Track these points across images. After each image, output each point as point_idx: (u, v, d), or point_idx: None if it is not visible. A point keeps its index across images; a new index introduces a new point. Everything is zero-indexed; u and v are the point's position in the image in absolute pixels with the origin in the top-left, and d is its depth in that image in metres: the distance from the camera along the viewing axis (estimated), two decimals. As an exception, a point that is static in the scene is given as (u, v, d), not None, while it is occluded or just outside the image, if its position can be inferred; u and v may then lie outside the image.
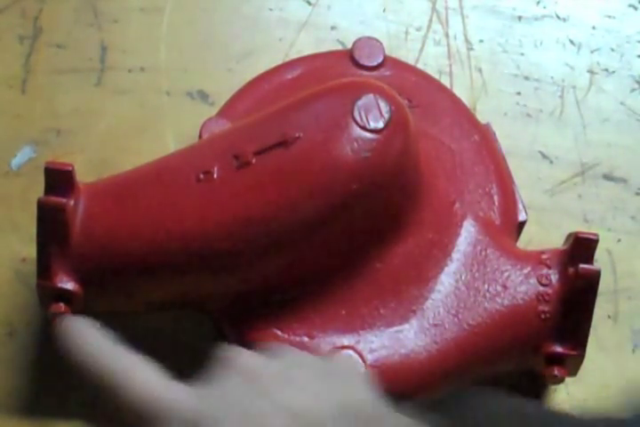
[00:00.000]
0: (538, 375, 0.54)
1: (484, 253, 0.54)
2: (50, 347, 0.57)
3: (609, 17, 0.68)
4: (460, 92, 0.62)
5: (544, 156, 0.64)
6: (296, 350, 0.46)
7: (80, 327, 0.44)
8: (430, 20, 0.67)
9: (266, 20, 0.67)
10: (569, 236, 0.55)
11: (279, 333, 0.52)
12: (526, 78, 0.66)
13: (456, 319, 0.52)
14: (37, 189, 0.53)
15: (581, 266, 0.52)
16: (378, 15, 0.67)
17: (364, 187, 0.51)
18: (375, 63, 0.60)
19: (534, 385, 0.58)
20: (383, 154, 0.51)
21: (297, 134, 0.51)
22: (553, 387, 0.58)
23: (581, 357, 0.52)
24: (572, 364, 0.53)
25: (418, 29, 0.67)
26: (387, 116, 0.51)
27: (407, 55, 0.66)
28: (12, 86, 0.64)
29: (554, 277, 0.53)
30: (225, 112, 0.59)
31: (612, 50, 0.67)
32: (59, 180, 0.52)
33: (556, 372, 0.53)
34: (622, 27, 0.68)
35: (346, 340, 0.52)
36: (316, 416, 0.41)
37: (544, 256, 0.54)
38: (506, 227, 0.56)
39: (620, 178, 0.64)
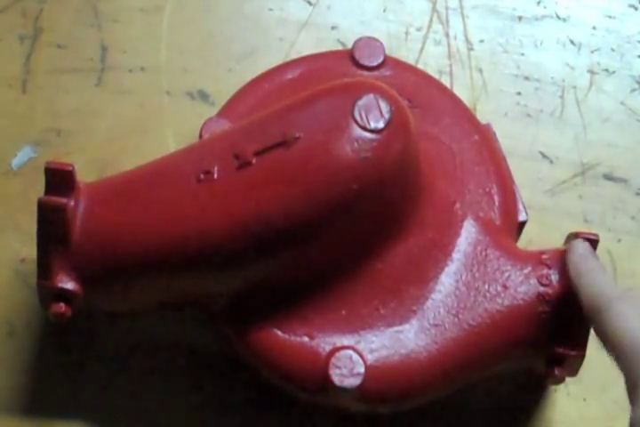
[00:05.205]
0: (538, 375, 0.54)
1: (484, 253, 0.54)
2: (50, 347, 0.58)
3: (609, 17, 0.68)
4: (460, 92, 0.62)
5: (544, 156, 0.64)
6: None
7: (587, 255, 0.52)
8: (430, 20, 0.67)
9: (266, 20, 0.67)
10: (569, 236, 0.55)
11: (279, 333, 0.52)
12: (526, 78, 0.66)
13: (456, 319, 0.52)
14: (37, 189, 0.53)
15: (581, 266, 0.52)
16: (378, 15, 0.67)
17: (365, 187, 0.51)
18: (375, 63, 0.60)
19: (534, 385, 0.58)
20: (383, 154, 0.51)
21: (297, 134, 0.51)
22: (553, 387, 0.58)
23: (581, 357, 0.52)
24: (571, 364, 0.53)
25: (418, 29, 0.67)
26: (387, 116, 0.51)
27: (407, 55, 0.66)
28: (12, 86, 0.64)
29: (554, 278, 0.53)
30: (225, 112, 0.59)
31: (613, 50, 0.67)
32: (59, 180, 0.52)
33: (556, 372, 0.53)
34: (622, 27, 0.68)
35: (346, 340, 0.52)
36: None
37: (544, 256, 0.54)
38: (506, 227, 0.56)
39: (619, 178, 0.64)
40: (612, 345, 0.46)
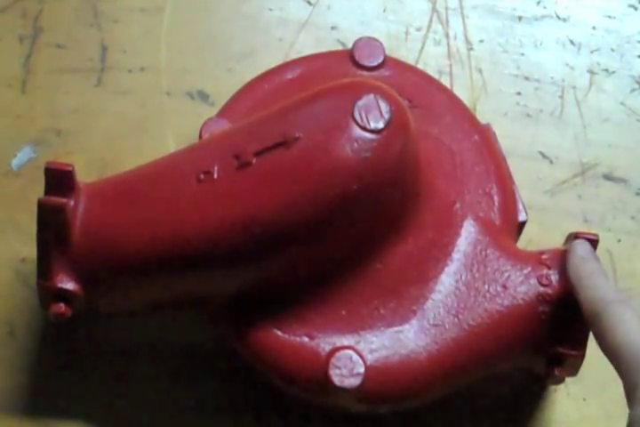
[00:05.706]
0: (538, 375, 0.54)
1: (484, 253, 0.54)
2: (49, 347, 0.58)
3: (609, 17, 0.68)
4: (460, 92, 0.62)
5: (544, 156, 0.64)
6: None
7: (587, 258, 0.51)
8: (430, 20, 0.67)
9: (266, 20, 0.67)
10: (569, 236, 0.55)
11: (279, 333, 0.52)
12: (526, 78, 0.66)
13: (456, 320, 0.52)
14: (37, 189, 0.53)
15: (581, 266, 0.52)
16: (378, 15, 0.67)
17: (364, 187, 0.51)
18: (375, 63, 0.60)
19: (534, 385, 0.58)
20: (383, 154, 0.51)
21: (297, 134, 0.51)
22: (553, 387, 0.58)
23: (581, 357, 0.52)
24: (572, 364, 0.53)
25: (418, 29, 0.67)
26: (387, 116, 0.51)
27: (407, 55, 0.66)
28: (11, 86, 0.64)
29: (554, 278, 0.53)
30: (225, 112, 0.59)
31: (612, 50, 0.67)
32: (59, 180, 0.52)
33: (556, 372, 0.53)
34: (622, 27, 0.68)
35: (346, 340, 0.52)
36: None
37: (544, 256, 0.54)
38: (506, 227, 0.56)
39: (619, 178, 0.64)
40: (610, 350, 0.46)
